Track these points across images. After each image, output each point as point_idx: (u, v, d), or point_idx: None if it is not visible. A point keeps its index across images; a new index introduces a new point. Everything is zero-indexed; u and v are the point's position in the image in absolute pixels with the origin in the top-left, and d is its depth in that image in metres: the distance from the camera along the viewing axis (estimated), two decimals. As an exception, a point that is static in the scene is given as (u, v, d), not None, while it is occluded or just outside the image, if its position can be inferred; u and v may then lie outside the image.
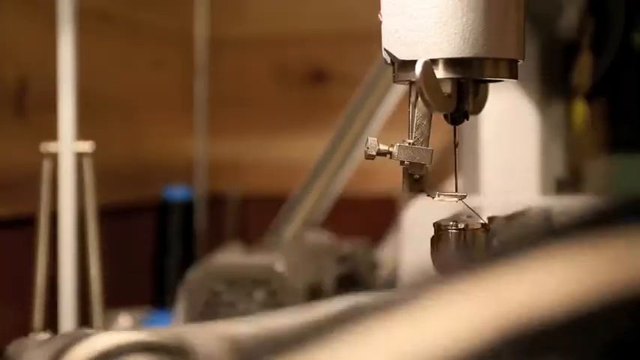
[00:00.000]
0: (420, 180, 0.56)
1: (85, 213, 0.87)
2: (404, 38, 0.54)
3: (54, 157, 0.86)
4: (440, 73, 0.54)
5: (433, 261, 0.57)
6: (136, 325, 1.10)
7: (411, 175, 0.56)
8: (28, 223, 0.93)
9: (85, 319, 0.87)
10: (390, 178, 1.31)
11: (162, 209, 1.20)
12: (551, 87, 0.86)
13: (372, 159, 0.56)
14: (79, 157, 0.86)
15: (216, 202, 1.43)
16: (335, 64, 1.41)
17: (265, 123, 1.45)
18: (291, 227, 1.10)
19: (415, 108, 0.56)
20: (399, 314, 0.30)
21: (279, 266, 0.85)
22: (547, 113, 0.86)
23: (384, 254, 1.10)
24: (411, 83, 0.55)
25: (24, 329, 0.88)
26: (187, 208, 1.21)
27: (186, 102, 1.42)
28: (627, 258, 0.31)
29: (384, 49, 0.55)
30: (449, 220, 0.57)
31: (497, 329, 0.29)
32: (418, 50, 0.54)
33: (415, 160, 0.55)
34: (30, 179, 0.91)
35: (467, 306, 0.30)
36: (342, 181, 1.09)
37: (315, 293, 0.86)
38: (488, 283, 0.30)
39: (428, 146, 0.55)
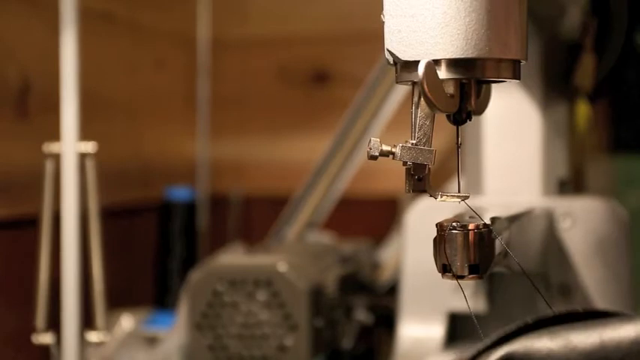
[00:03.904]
0: (423, 180, 0.56)
1: (87, 213, 0.87)
2: (406, 39, 0.54)
3: (56, 158, 0.86)
4: (442, 73, 0.54)
5: (436, 262, 0.57)
6: (139, 325, 1.10)
7: (413, 176, 0.56)
8: (31, 223, 0.93)
9: (87, 319, 0.88)
10: (392, 179, 1.31)
11: (165, 210, 1.20)
12: (554, 87, 0.86)
13: (375, 159, 0.56)
14: (82, 157, 0.86)
15: (218, 202, 1.43)
16: (337, 65, 1.41)
17: (267, 123, 1.45)
18: (294, 228, 1.10)
19: (418, 108, 0.56)
20: None
21: (282, 267, 0.85)
22: (549, 114, 0.86)
23: (386, 255, 1.11)
24: (414, 84, 0.55)
25: (27, 329, 0.88)
26: (190, 208, 1.21)
27: (188, 103, 1.43)
28: None
29: (387, 50, 0.55)
30: (451, 221, 0.57)
31: None
32: (421, 51, 0.54)
33: (418, 161, 0.55)
34: (32, 180, 0.92)
35: None
36: (344, 181, 1.09)
37: (317, 294, 0.86)
38: None
39: (430, 147, 0.55)
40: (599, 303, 0.83)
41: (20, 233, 1.01)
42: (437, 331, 0.84)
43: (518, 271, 0.63)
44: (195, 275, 0.87)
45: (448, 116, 0.58)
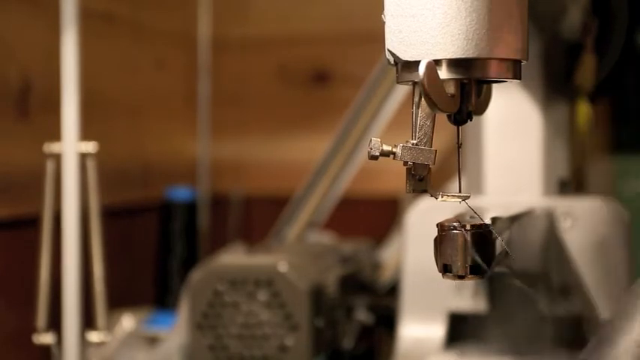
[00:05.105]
0: (423, 180, 0.56)
1: (88, 213, 0.87)
2: (407, 39, 0.54)
3: (57, 158, 0.86)
4: (443, 73, 0.54)
5: (436, 262, 0.57)
6: (140, 325, 1.10)
7: (414, 176, 0.56)
8: (32, 223, 0.94)
9: (88, 319, 0.88)
10: (392, 179, 1.31)
11: (166, 210, 1.20)
12: (555, 87, 0.86)
13: (376, 159, 0.56)
14: (83, 157, 0.86)
15: (218, 202, 1.43)
16: (337, 65, 1.41)
17: (268, 123, 1.45)
18: (294, 228, 1.10)
19: (418, 108, 0.56)
20: None
21: (282, 267, 0.85)
22: (550, 114, 0.86)
23: (387, 255, 1.11)
24: (415, 84, 0.55)
25: (28, 329, 0.88)
26: (190, 208, 1.21)
27: (189, 102, 1.43)
28: None
29: (388, 50, 0.55)
30: (452, 221, 0.57)
31: None
32: (421, 51, 0.54)
33: (418, 161, 0.55)
34: (33, 180, 0.92)
35: None
36: (344, 181, 1.09)
37: (317, 294, 0.86)
38: None
39: (431, 147, 0.56)
40: (599, 303, 0.83)
41: (20, 233, 1.01)
42: (437, 331, 0.84)
43: (519, 271, 0.64)
44: (196, 275, 0.87)
45: (449, 116, 0.58)
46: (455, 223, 0.56)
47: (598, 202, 0.84)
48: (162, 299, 1.18)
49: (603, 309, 0.83)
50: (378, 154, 0.55)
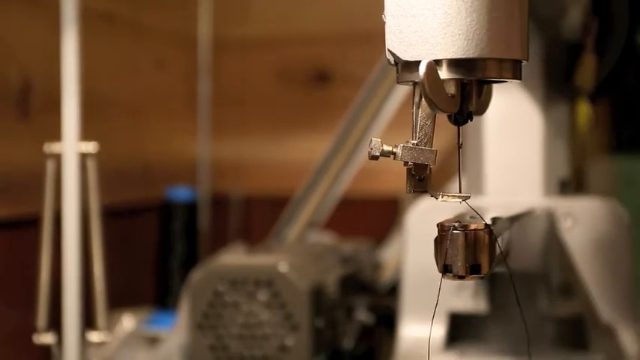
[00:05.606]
0: (424, 180, 0.56)
1: (88, 213, 0.87)
2: (408, 39, 0.54)
3: (58, 158, 0.86)
4: (443, 73, 0.54)
5: (436, 262, 0.57)
6: (140, 325, 1.10)
7: (414, 176, 0.56)
8: (32, 223, 0.94)
9: (88, 319, 0.88)
10: (393, 179, 1.31)
11: (166, 210, 1.20)
12: (555, 88, 0.86)
13: (376, 160, 0.56)
14: (83, 157, 0.86)
15: (219, 202, 1.43)
16: (338, 65, 1.41)
17: (268, 124, 1.45)
18: (294, 228, 1.10)
19: (419, 109, 0.56)
20: None
21: (283, 267, 0.85)
22: (550, 114, 0.86)
23: (387, 255, 1.11)
24: (415, 84, 0.55)
25: (28, 329, 0.88)
26: (191, 208, 1.21)
27: (189, 103, 1.43)
28: None
29: (388, 50, 0.55)
30: (452, 221, 0.57)
31: None
32: (422, 51, 0.54)
33: (419, 161, 0.55)
34: (33, 180, 0.92)
35: None
36: (345, 181, 1.09)
37: (318, 294, 0.86)
38: None
39: (431, 147, 0.56)
40: (600, 303, 0.83)
41: (21, 233, 1.01)
42: (437, 331, 0.84)
43: (519, 271, 0.63)
44: (196, 275, 0.87)
45: (449, 116, 0.58)
46: (455, 223, 0.56)
47: (598, 202, 0.84)
48: (163, 299, 1.18)
49: (603, 309, 0.83)
50: (378, 154, 0.55)
